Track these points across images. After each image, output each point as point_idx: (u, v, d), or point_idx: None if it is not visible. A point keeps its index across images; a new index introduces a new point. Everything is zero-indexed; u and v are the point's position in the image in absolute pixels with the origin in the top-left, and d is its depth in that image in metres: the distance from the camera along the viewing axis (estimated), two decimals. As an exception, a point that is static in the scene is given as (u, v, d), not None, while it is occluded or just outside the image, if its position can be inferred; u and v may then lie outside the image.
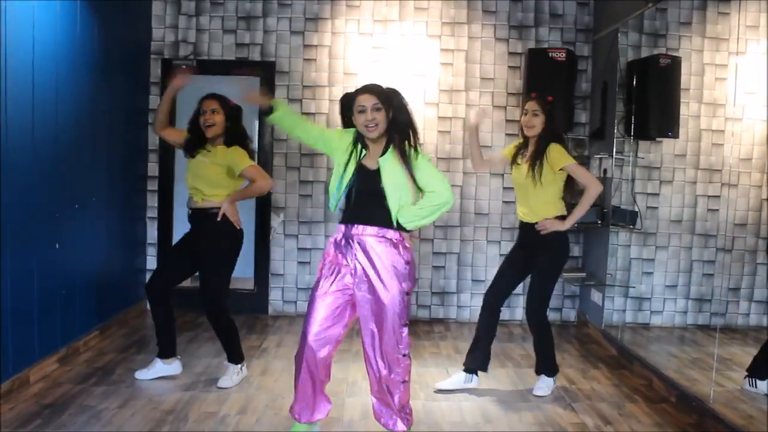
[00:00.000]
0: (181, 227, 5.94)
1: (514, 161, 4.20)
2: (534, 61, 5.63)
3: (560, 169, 4.01)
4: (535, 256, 4.12)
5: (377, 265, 3.09)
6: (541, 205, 4.07)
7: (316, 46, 5.95)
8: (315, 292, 3.19)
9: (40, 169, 4.03)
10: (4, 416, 3.49)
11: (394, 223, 3.10)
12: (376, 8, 5.94)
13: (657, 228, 5.34)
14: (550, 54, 5.54)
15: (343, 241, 3.16)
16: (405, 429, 3.25)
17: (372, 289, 3.11)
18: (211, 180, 4.06)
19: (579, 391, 4.27)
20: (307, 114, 5.94)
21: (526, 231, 4.17)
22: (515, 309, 6.04)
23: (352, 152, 3.17)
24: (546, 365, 4.23)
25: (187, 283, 6.18)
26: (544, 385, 4.20)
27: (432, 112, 5.95)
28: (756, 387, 3.91)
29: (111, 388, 3.99)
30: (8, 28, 3.62)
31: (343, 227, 3.18)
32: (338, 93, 5.93)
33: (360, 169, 3.14)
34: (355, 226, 3.13)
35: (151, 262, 6.01)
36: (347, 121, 3.22)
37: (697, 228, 5.17)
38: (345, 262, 3.15)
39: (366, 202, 3.12)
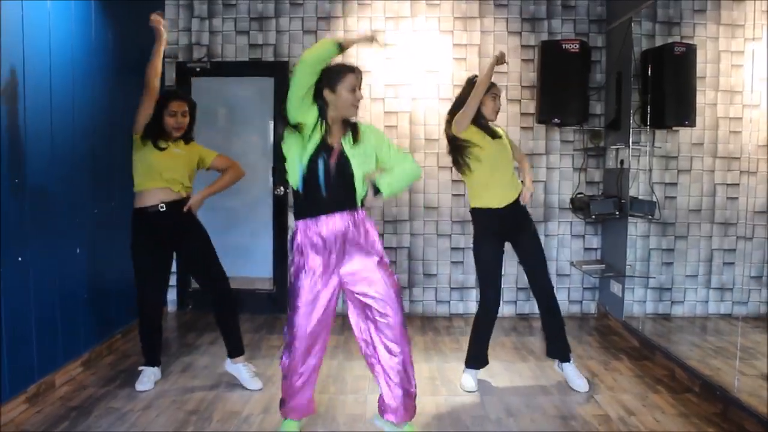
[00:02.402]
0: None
1: (486, 139, 4.03)
2: (547, 53, 5.60)
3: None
4: (517, 240, 4.10)
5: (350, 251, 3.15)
6: (514, 178, 4.10)
7: (329, 44, 5.95)
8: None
9: (60, 174, 4.08)
10: (31, 419, 3.54)
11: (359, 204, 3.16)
12: (388, 5, 5.94)
13: (676, 218, 5.30)
14: (563, 46, 5.51)
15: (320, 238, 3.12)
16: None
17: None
18: (189, 172, 4.10)
19: (601, 382, 4.26)
20: (322, 113, 5.95)
21: (506, 214, 4.02)
22: (535, 302, 6.02)
23: (314, 128, 3.07)
24: (568, 345, 4.21)
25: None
26: (580, 377, 4.15)
27: (446, 108, 5.92)
28: None
29: (135, 390, 4.02)
30: (26, 35, 3.67)
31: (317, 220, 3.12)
32: (352, 91, 5.93)
33: (325, 148, 3.08)
34: (332, 215, 3.10)
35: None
36: (319, 93, 3.07)
37: (716, 216, 5.13)
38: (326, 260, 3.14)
39: (338, 186, 3.08)
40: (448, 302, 6.09)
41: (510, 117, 5.95)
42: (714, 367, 4.25)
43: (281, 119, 3.09)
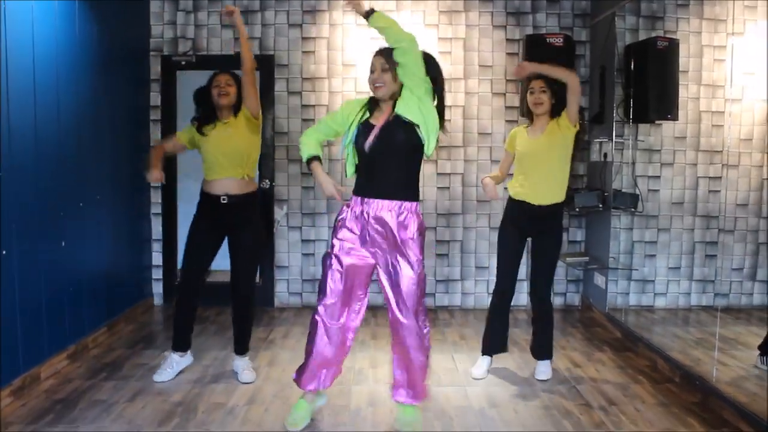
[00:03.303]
0: (185, 223, 5.99)
1: (523, 140, 4.12)
2: (532, 47, 5.62)
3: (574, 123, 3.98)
4: (536, 239, 4.14)
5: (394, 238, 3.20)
6: (560, 181, 4.05)
7: (315, 38, 5.97)
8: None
9: (44, 168, 4.07)
10: (16, 412, 3.54)
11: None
12: (373, -1, 5.96)
13: (659, 210, 5.36)
14: (547, 40, 5.53)
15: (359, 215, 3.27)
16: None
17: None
18: (246, 146, 4.04)
19: (584, 373, 4.31)
20: (307, 106, 5.97)
21: (530, 214, 4.06)
22: (520, 295, 6.05)
23: (358, 114, 3.29)
24: (550, 349, 4.26)
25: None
26: (547, 369, 4.23)
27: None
28: (767, 365, 3.94)
29: (120, 383, 4.04)
30: (8, 29, 3.65)
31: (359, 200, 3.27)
32: (337, 84, 5.96)
33: (366, 126, 3.23)
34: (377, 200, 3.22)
35: (157, 259, 6.06)
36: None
37: (698, 209, 5.20)
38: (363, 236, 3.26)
39: (381, 163, 3.19)
40: (434, 295, 6.13)
41: (494, 110, 5.98)
42: (695, 357, 4.31)
43: None
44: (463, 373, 4.30)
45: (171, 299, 6.09)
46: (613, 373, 4.33)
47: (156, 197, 6.05)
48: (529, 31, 5.95)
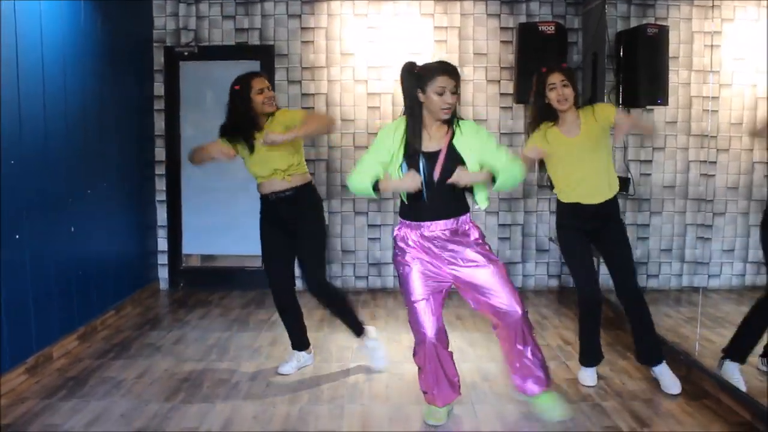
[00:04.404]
0: (190, 211, 6.18)
1: (555, 140, 3.70)
2: (525, 35, 5.74)
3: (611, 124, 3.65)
4: (602, 235, 3.81)
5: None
6: (609, 173, 3.74)
7: (313, 28, 6.10)
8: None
9: (54, 157, 4.24)
10: (31, 389, 3.73)
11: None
12: (370, -11, 6.09)
13: (651, 194, 5.48)
14: (540, 28, 5.65)
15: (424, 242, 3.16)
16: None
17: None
18: (283, 154, 3.84)
19: (574, 351, 4.44)
20: (307, 95, 6.11)
21: (588, 215, 3.73)
22: (516, 277, 6.21)
23: (395, 141, 3.10)
24: (660, 348, 3.86)
25: (196, 262, 6.43)
26: (669, 375, 3.79)
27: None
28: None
29: (128, 361, 4.22)
30: (18, 23, 3.81)
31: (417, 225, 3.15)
32: (336, 73, 6.10)
33: (415, 155, 3.07)
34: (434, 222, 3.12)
35: (162, 244, 6.23)
36: (411, 94, 3.04)
37: (690, 193, 5.31)
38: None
39: (440, 192, 3.08)
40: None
41: (489, 97, 6.12)
42: (682, 335, 4.44)
43: None
44: (459, 349, 4.44)
45: (176, 283, 6.27)
46: (603, 350, 4.46)
47: (161, 185, 6.21)
48: (523, 19, 6.06)
